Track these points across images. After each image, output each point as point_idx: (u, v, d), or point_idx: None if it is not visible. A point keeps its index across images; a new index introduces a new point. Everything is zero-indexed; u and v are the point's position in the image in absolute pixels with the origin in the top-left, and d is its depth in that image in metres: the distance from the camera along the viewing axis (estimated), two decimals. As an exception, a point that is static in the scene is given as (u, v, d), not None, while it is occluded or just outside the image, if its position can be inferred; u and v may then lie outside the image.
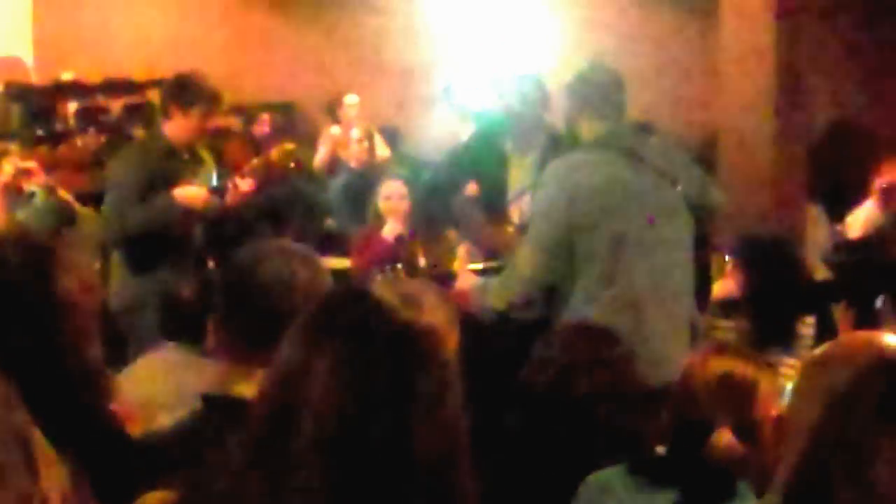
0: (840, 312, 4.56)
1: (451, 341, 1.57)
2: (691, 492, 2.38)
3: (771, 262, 4.57)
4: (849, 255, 5.17)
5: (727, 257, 4.68)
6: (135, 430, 2.42)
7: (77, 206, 5.47)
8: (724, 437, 2.38)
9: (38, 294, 2.00)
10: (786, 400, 1.70)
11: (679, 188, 3.89)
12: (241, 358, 2.18)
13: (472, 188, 5.70)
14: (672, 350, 3.67)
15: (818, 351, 1.71)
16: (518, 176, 4.65)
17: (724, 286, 4.68)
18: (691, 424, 2.44)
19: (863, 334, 1.83)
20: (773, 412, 1.81)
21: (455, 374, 1.55)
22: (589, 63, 4.06)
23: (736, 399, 2.42)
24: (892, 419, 1.46)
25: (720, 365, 2.46)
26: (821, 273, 5.52)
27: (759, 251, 4.66)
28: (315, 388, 1.47)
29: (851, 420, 1.46)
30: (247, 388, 2.09)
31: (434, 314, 1.55)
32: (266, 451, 1.50)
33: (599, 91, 3.90)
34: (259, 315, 2.20)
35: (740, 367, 2.46)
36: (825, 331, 4.25)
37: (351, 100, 9.21)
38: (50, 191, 5.32)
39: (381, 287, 1.57)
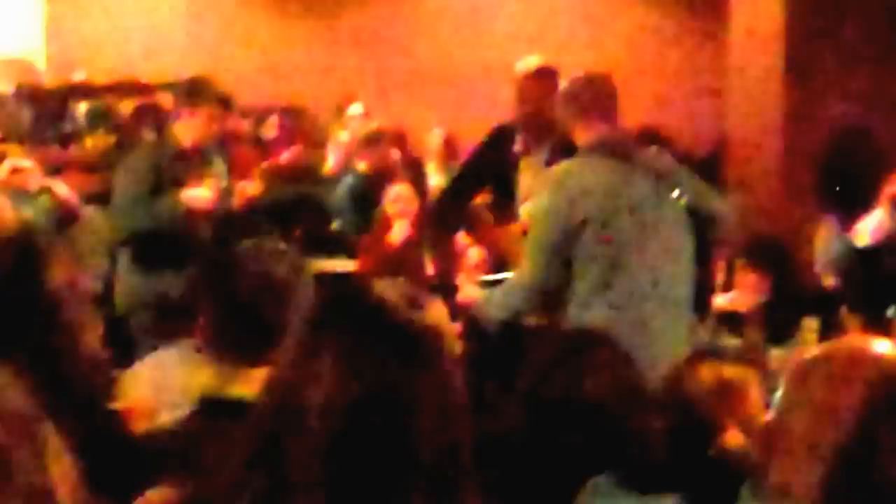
0: (847, 319, 4.54)
1: (453, 341, 1.56)
2: (696, 496, 2.37)
3: (786, 263, 4.57)
4: (858, 263, 5.15)
5: (741, 261, 4.64)
6: (139, 428, 2.42)
7: (84, 206, 5.48)
8: (736, 438, 2.36)
9: (25, 290, 2.00)
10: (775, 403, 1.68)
11: (677, 194, 3.88)
12: (227, 357, 2.18)
13: (484, 194, 5.68)
14: (671, 354, 3.64)
15: (808, 358, 1.68)
16: (527, 176, 4.64)
17: (732, 299, 4.65)
18: (692, 429, 2.42)
19: (852, 342, 1.80)
20: (761, 414, 1.79)
21: (457, 372, 1.55)
22: (584, 70, 4.06)
23: (734, 400, 2.41)
24: None
25: (712, 368, 2.46)
26: (829, 281, 5.50)
27: (776, 252, 4.65)
28: (318, 383, 1.47)
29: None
30: (242, 389, 2.09)
31: (435, 314, 1.55)
32: (269, 448, 1.49)
33: (595, 97, 3.90)
34: (238, 315, 2.21)
35: (730, 369, 2.46)
36: (830, 336, 4.23)
37: (354, 110, 9.17)
38: (46, 191, 5.33)
39: (384, 286, 1.57)
